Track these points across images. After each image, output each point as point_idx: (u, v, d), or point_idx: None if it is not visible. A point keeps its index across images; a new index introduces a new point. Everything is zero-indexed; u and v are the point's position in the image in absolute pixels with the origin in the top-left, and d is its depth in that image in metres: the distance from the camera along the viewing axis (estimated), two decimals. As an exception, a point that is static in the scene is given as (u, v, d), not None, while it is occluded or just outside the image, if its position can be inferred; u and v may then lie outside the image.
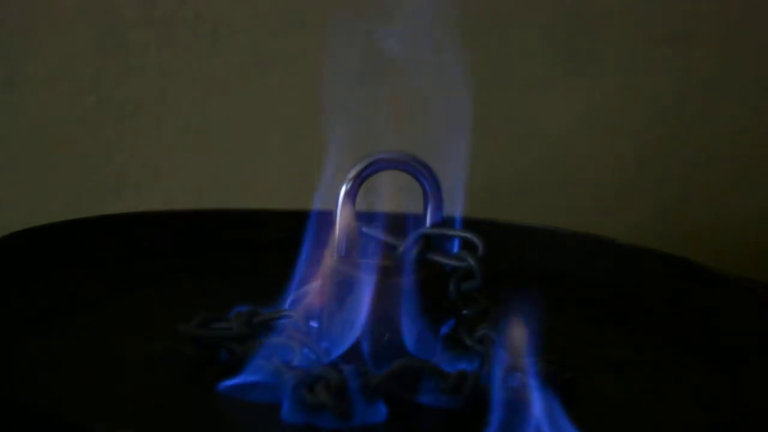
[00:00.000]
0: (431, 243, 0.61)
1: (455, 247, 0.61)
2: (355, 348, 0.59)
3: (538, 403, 0.55)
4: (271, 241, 0.76)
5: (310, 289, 0.62)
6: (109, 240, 0.73)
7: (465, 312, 0.61)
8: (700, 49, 0.98)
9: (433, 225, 0.61)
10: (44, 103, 0.97)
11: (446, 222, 0.62)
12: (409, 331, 0.60)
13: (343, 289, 0.60)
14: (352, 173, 0.60)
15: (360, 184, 0.60)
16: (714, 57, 0.99)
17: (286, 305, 0.62)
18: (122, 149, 0.97)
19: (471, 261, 0.60)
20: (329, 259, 0.61)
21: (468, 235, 0.60)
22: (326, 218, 0.61)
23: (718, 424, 0.58)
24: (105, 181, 0.97)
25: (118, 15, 0.96)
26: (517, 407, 0.56)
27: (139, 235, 0.74)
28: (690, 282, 0.72)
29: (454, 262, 0.60)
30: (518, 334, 0.58)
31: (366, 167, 0.60)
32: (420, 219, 0.61)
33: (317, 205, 0.62)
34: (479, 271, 0.60)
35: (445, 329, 0.61)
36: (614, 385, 0.61)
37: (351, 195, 0.60)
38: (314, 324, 0.61)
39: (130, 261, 0.72)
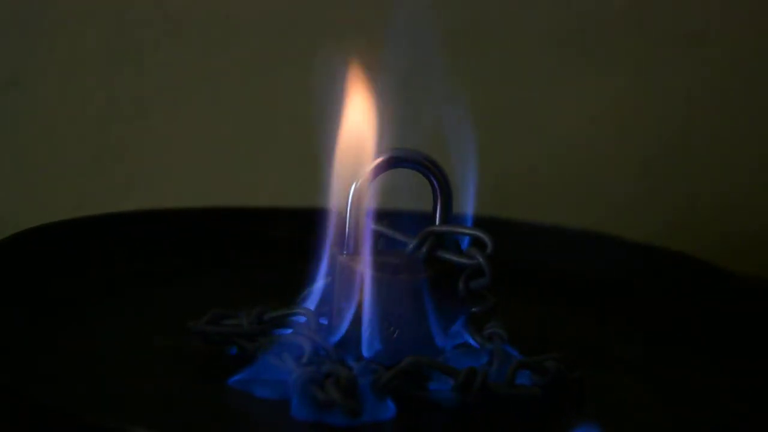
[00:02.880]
0: (441, 240, 0.61)
1: (464, 245, 0.61)
2: (363, 345, 0.60)
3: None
4: (280, 239, 0.76)
5: (320, 286, 0.62)
6: (115, 238, 0.73)
7: (474, 309, 0.61)
8: (714, 48, 0.98)
9: (443, 223, 0.61)
10: (53, 101, 0.97)
11: (456, 220, 0.62)
12: (418, 329, 0.60)
13: (352, 286, 0.60)
14: (363, 171, 0.61)
15: (370, 181, 0.60)
16: (727, 56, 0.99)
17: (296, 302, 0.62)
18: (132, 148, 0.97)
19: (480, 259, 0.60)
20: (339, 256, 0.61)
21: (477, 232, 0.60)
22: (335, 216, 0.61)
23: (725, 423, 0.58)
24: (115, 180, 0.97)
25: (128, 14, 0.96)
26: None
27: (146, 234, 0.74)
28: (698, 280, 0.72)
29: (463, 260, 0.60)
30: None
31: (376, 165, 0.60)
32: (430, 216, 0.61)
33: (326, 202, 0.62)
34: (488, 269, 0.60)
35: (454, 327, 0.61)
36: (622, 383, 0.61)
37: (361, 192, 0.60)
38: (324, 321, 0.61)
39: (137, 259, 0.72)
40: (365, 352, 0.59)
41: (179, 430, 0.54)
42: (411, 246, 0.61)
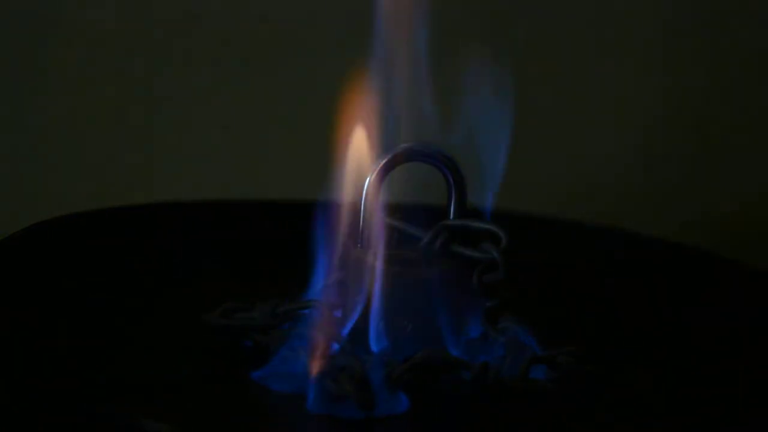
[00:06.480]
0: (455, 235, 0.61)
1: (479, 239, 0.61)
2: (377, 338, 0.60)
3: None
4: (294, 232, 0.76)
5: (333, 280, 0.62)
6: (127, 231, 0.73)
7: (488, 304, 0.61)
8: (725, 40, 0.98)
9: (457, 217, 0.61)
10: (69, 94, 0.97)
11: (470, 214, 0.62)
12: (431, 323, 0.60)
13: (365, 280, 0.60)
14: (377, 164, 0.61)
15: (384, 175, 0.61)
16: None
17: (310, 296, 0.62)
18: (147, 141, 0.98)
19: (494, 253, 0.60)
20: (353, 250, 0.61)
21: (491, 227, 0.60)
22: (349, 209, 0.62)
23: (740, 419, 0.58)
24: (127, 173, 0.98)
25: (144, 7, 0.96)
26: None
27: (158, 226, 0.74)
28: (715, 275, 0.72)
29: (477, 254, 0.60)
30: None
31: (390, 158, 0.60)
32: (444, 210, 0.61)
33: (340, 196, 0.62)
34: (502, 263, 0.60)
35: (467, 321, 0.61)
36: (636, 378, 0.61)
37: (375, 186, 0.60)
38: (337, 314, 0.61)
39: (148, 252, 0.72)
40: (379, 345, 0.59)
41: (194, 422, 0.54)
42: (425, 240, 0.61)
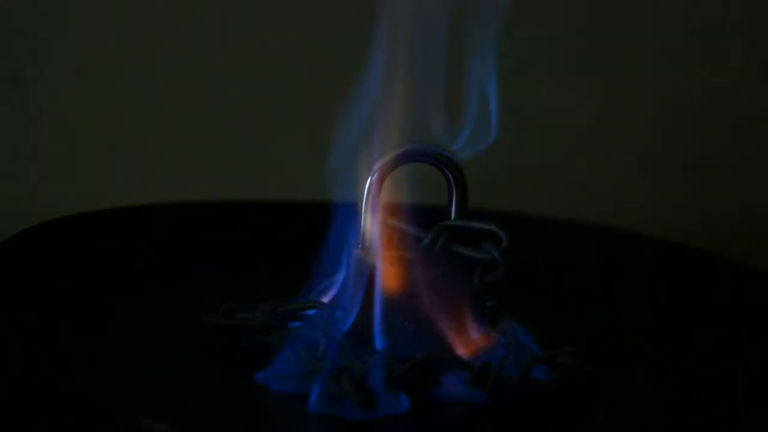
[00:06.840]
0: (455, 235, 0.61)
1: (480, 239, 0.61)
2: (377, 339, 0.60)
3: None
4: (295, 233, 0.76)
5: (334, 280, 0.62)
6: (127, 232, 0.73)
7: (488, 304, 0.61)
8: (728, 41, 0.98)
9: (457, 217, 0.61)
10: (70, 94, 0.97)
11: (471, 214, 0.62)
12: (432, 323, 0.60)
13: (366, 280, 0.60)
14: (377, 165, 0.61)
15: (385, 176, 0.60)
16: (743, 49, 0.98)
17: (311, 296, 0.62)
18: (147, 141, 0.98)
19: (495, 253, 0.60)
20: (353, 250, 0.61)
21: (492, 227, 0.60)
22: (350, 210, 0.62)
23: (739, 417, 0.58)
24: (126, 174, 0.98)
25: (144, 7, 0.96)
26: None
27: (159, 227, 0.74)
28: (712, 275, 0.72)
29: (477, 254, 0.60)
30: None
31: (391, 159, 0.60)
32: (444, 211, 0.61)
33: (341, 196, 0.62)
34: (503, 264, 0.60)
35: (467, 321, 0.61)
36: (636, 377, 0.61)
37: (376, 186, 0.60)
38: (339, 314, 0.61)
39: (149, 253, 0.72)
40: (379, 346, 0.59)
41: (194, 422, 0.54)
42: (426, 240, 0.61)
